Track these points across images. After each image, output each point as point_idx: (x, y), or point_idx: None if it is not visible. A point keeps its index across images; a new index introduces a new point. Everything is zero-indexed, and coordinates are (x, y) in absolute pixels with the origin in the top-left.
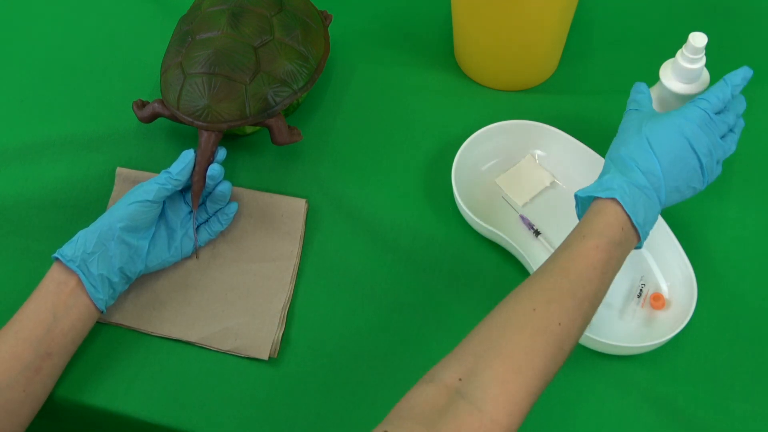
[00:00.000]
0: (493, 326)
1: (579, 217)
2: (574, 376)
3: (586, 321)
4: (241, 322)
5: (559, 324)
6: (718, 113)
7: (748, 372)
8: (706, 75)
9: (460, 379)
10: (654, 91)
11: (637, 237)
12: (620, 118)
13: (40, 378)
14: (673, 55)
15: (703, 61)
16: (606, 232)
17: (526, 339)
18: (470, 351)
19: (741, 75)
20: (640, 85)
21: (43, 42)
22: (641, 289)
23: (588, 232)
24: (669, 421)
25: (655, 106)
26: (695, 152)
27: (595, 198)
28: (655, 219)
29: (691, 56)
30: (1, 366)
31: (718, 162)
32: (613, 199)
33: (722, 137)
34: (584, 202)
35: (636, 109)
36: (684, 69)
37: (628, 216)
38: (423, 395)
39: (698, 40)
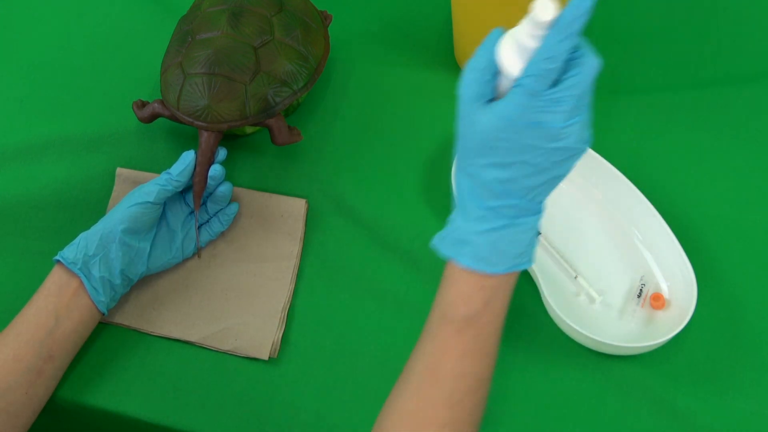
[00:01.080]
0: None
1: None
2: (574, 376)
3: (476, 412)
4: (241, 322)
5: None
6: (554, 84)
7: (748, 372)
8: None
9: None
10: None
11: (511, 274)
12: (620, 118)
13: (42, 380)
14: (672, 55)
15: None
16: (463, 309)
17: None
18: None
19: (572, 13)
20: (483, 52)
21: (43, 42)
22: (641, 289)
23: (446, 311)
24: (669, 421)
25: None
26: (545, 138)
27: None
28: (533, 237)
29: (537, 32)
30: (3, 368)
31: (578, 128)
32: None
33: (570, 110)
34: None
35: (469, 86)
36: (524, 47)
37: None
38: None
39: (544, 10)
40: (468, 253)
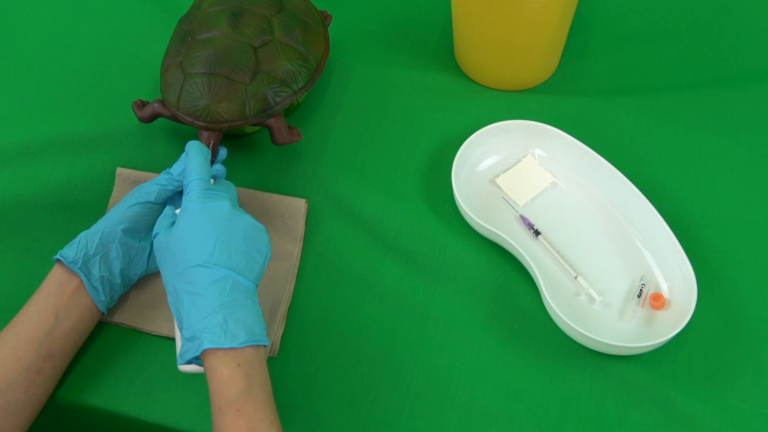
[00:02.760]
0: None
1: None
2: (574, 376)
3: None
4: None
5: None
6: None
7: (748, 372)
8: None
9: None
10: None
11: (256, 347)
12: (620, 118)
13: (42, 379)
14: (672, 55)
15: None
16: (233, 390)
17: None
18: None
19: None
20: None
21: (43, 42)
22: (641, 289)
23: (221, 401)
24: (669, 421)
25: None
26: (230, 222)
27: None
28: (258, 311)
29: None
30: (3, 367)
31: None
32: (210, 348)
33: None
34: (196, 360)
35: (157, 233)
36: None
37: (232, 348)
38: None
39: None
40: (206, 338)
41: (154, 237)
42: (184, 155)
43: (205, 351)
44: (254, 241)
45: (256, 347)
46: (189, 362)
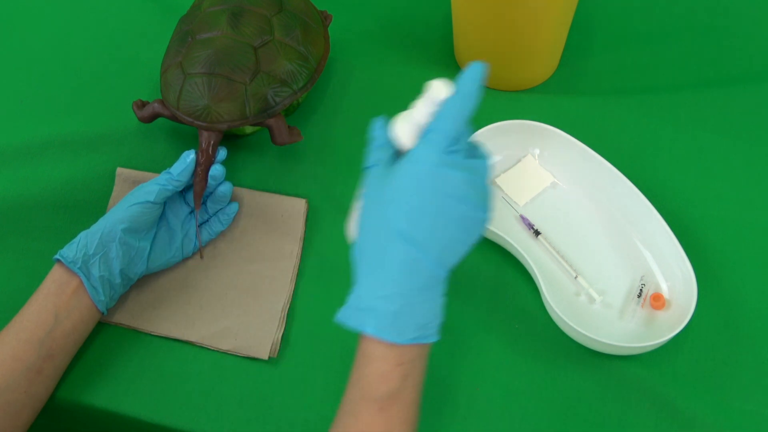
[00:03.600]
0: None
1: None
2: (574, 376)
3: None
4: (241, 321)
5: None
6: (461, 138)
7: (748, 372)
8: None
9: None
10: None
11: (424, 346)
12: (620, 118)
13: (42, 379)
14: (672, 55)
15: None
16: (383, 387)
17: None
18: None
19: (470, 77)
20: (378, 128)
21: (43, 42)
22: (641, 289)
23: (365, 391)
24: (669, 421)
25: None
26: (452, 198)
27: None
28: (439, 304)
29: (430, 110)
30: (3, 367)
31: (484, 189)
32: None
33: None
34: None
35: (373, 165)
36: (419, 124)
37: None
38: None
39: (438, 90)
40: (372, 322)
41: (371, 167)
42: (183, 155)
43: (368, 340)
44: (468, 228)
45: (422, 345)
46: (344, 320)
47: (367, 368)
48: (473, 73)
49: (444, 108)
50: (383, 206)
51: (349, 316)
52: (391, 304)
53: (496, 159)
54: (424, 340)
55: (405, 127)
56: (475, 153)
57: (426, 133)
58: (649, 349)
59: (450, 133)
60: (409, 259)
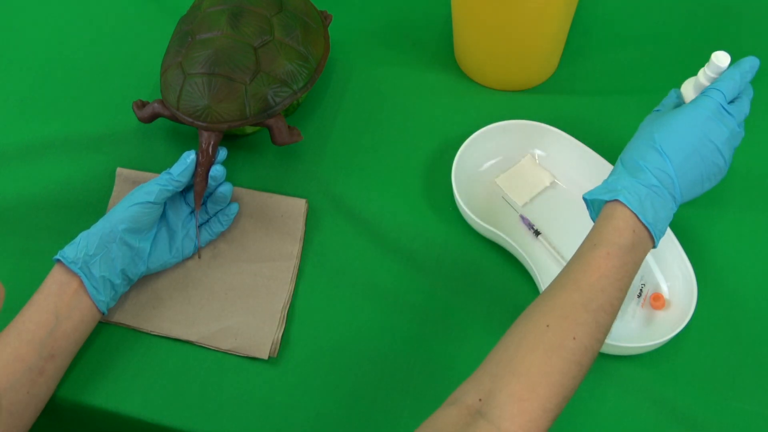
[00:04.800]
0: (509, 346)
1: (593, 219)
2: None
3: (603, 331)
4: (241, 321)
5: (574, 338)
6: (731, 102)
7: (748, 372)
8: None
9: (480, 400)
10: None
11: (651, 237)
12: (620, 118)
13: (44, 379)
14: (672, 55)
15: None
16: (616, 239)
17: (540, 357)
18: (488, 372)
19: (749, 63)
20: (672, 92)
21: (43, 42)
22: (641, 289)
23: (598, 240)
24: (669, 421)
25: None
26: (714, 144)
27: (606, 201)
28: (670, 217)
29: (713, 75)
30: (5, 368)
31: (733, 150)
32: (621, 203)
33: (738, 125)
34: (594, 205)
35: (657, 110)
36: (702, 86)
37: (638, 217)
38: (447, 417)
39: (721, 59)
40: (623, 194)
41: (656, 111)
42: (184, 155)
43: (614, 202)
44: (710, 171)
45: (650, 236)
46: (591, 202)
47: (605, 223)
48: (752, 60)
49: (725, 73)
50: (656, 131)
51: (599, 192)
52: (641, 188)
53: (496, 159)
54: (654, 233)
55: (690, 86)
56: (741, 123)
57: (707, 90)
58: (649, 349)
59: (727, 91)
60: (661, 167)
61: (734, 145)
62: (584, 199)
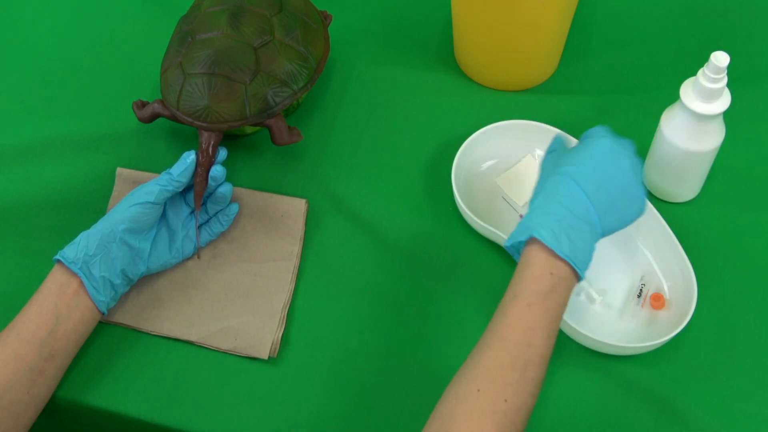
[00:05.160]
0: (444, 413)
1: (517, 261)
2: (574, 376)
3: (535, 385)
4: (241, 321)
5: (505, 401)
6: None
7: (748, 372)
8: (727, 95)
9: None
10: (674, 111)
11: (573, 272)
12: (620, 118)
13: (44, 380)
14: (672, 55)
15: (725, 80)
16: (535, 287)
17: (475, 425)
18: None
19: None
20: (557, 137)
21: (43, 42)
22: (641, 290)
23: (519, 290)
24: (669, 421)
25: (674, 125)
26: (622, 169)
27: (524, 245)
28: (591, 247)
29: (713, 75)
30: (5, 368)
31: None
32: (536, 244)
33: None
34: (515, 248)
35: (550, 151)
36: (705, 88)
37: (556, 255)
38: None
39: (721, 59)
40: (536, 230)
41: (550, 151)
42: (184, 156)
43: (530, 245)
44: (627, 199)
45: (573, 272)
46: (511, 248)
47: (523, 271)
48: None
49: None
50: (563, 166)
51: (515, 235)
52: (554, 222)
53: (496, 159)
54: (575, 264)
55: (690, 86)
56: (635, 153)
57: (595, 131)
58: (649, 349)
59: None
60: (575, 198)
61: (639, 172)
62: (505, 247)
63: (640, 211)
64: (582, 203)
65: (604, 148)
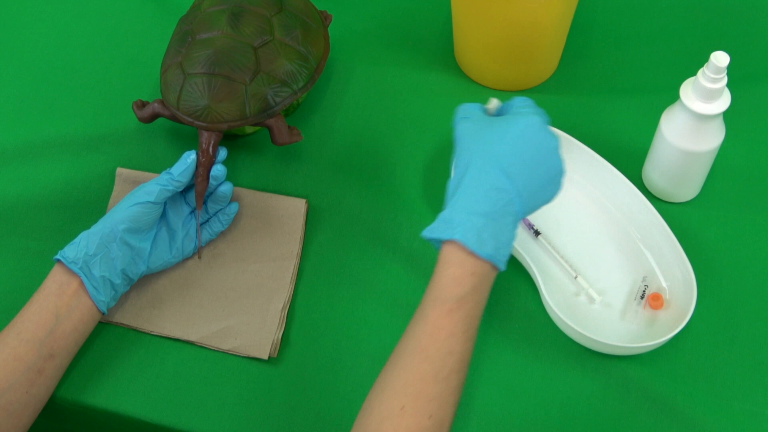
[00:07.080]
0: (369, 428)
1: (437, 250)
2: (574, 376)
3: (458, 392)
4: (241, 321)
5: (430, 417)
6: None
7: (748, 372)
8: (727, 95)
9: None
10: (674, 111)
11: (493, 266)
12: (620, 119)
13: (43, 379)
14: (672, 55)
15: (725, 80)
16: (456, 290)
17: None
18: None
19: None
20: (472, 106)
21: (43, 42)
22: (644, 291)
23: (438, 293)
24: (669, 421)
25: (674, 125)
26: (548, 149)
27: (442, 241)
28: (513, 236)
29: (712, 75)
30: (4, 368)
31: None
32: (457, 243)
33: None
34: (434, 241)
35: (465, 117)
36: (705, 88)
37: (476, 253)
38: None
39: (720, 59)
40: (459, 231)
41: (463, 118)
42: (184, 155)
43: (448, 242)
44: (550, 178)
45: (493, 267)
46: (430, 240)
47: (444, 272)
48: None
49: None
50: (488, 145)
51: (436, 229)
52: (478, 219)
53: None
54: (497, 262)
55: (690, 86)
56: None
57: (519, 108)
58: (649, 349)
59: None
60: (500, 186)
61: (561, 149)
62: (423, 236)
63: (558, 190)
64: (508, 195)
65: (533, 127)
